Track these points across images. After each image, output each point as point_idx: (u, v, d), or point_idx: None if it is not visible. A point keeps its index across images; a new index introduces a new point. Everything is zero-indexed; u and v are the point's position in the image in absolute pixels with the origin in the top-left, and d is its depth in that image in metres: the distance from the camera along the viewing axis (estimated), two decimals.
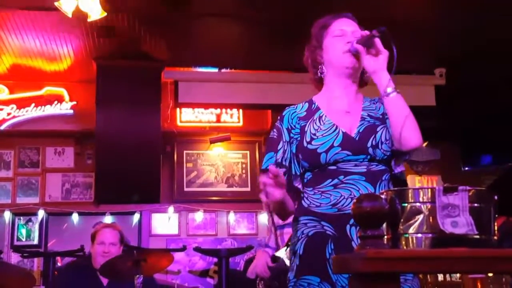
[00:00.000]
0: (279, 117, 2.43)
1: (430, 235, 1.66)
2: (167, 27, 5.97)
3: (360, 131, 2.27)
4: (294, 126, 2.36)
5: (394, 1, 5.40)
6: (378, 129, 2.28)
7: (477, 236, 1.65)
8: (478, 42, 6.11)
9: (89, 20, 5.19)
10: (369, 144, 2.24)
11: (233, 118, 7.39)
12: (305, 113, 2.38)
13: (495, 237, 1.71)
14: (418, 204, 1.69)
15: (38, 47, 6.18)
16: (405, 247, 1.68)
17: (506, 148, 7.43)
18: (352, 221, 2.15)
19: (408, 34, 5.81)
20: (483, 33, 5.97)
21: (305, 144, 2.29)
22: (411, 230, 1.68)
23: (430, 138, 7.51)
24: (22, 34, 5.90)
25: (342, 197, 2.21)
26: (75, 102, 7.05)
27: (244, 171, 7.52)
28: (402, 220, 1.69)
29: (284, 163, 2.34)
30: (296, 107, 2.43)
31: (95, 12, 5.11)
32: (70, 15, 5.09)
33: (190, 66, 7.05)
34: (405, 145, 2.20)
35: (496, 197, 1.75)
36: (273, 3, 5.47)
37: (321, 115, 2.35)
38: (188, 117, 7.32)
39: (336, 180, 2.23)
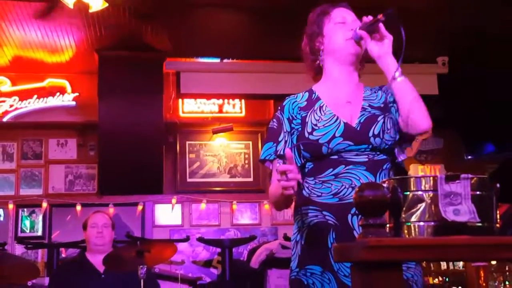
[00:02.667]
0: (279, 107, 2.43)
1: (432, 223, 1.66)
2: (168, 17, 5.96)
3: (361, 121, 2.27)
4: (295, 116, 2.35)
5: None
6: (378, 118, 2.28)
7: (479, 224, 1.65)
8: (481, 30, 6.09)
9: (90, 11, 5.18)
10: (370, 134, 2.24)
11: (236, 108, 7.39)
12: (305, 103, 2.38)
13: (498, 225, 1.72)
14: (420, 192, 1.69)
15: (40, 38, 6.18)
16: (407, 236, 1.68)
17: (509, 136, 7.41)
18: (353, 210, 2.16)
19: (410, 22, 5.78)
20: (486, 21, 5.94)
21: (306, 135, 2.28)
22: (413, 219, 1.68)
23: (433, 127, 7.49)
24: (24, 26, 5.89)
25: (343, 186, 2.21)
26: (77, 94, 7.05)
27: (246, 161, 7.52)
28: (404, 208, 1.69)
29: (279, 153, 2.33)
30: (296, 96, 2.42)
31: (97, 3, 5.10)
32: (71, 7, 5.08)
33: (192, 57, 7.03)
34: (414, 128, 2.19)
35: (498, 185, 1.75)
36: None
37: (321, 105, 2.34)
38: (190, 107, 7.31)
39: (337, 170, 2.23)
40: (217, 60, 7.06)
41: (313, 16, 2.45)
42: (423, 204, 1.68)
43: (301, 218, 2.29)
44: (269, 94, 7.12)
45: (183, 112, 7.29)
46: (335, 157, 2.24)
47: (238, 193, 7.31)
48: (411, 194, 1.70)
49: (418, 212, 1.68)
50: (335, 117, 2.28)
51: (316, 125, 2.28)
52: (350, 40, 2.30)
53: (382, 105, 2.33)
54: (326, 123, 2.27)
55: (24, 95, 6.96)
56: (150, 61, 6.70)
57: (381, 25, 2.23)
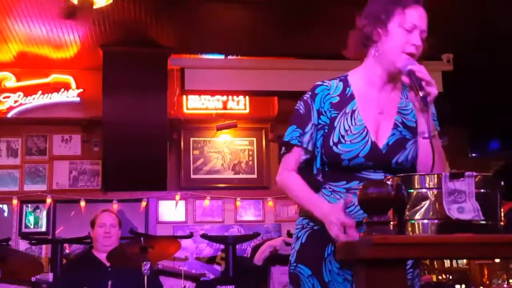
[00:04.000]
0: (309, 92, 2.26)
1: (436, 221, 1.66)
2: (173, 13, 5.95)
3: (390, 143, 2.18)
4: (325, 112, 2.22)
5: None
6: (407, 145, 2.20)
7: (483, 222, 1.65)
8: (485, 27, 6.07)
9: (95, 7, 5.18)
10: (394, 161, 2.18)
11: (240, 105, 7.38)
12: (338, 98, 2.23)
13: (502, 223, 1.71)
14: (424, 190, 1.68)
15: (45, 34, 6.18)
16: (411, 233, 1.68)
17: None
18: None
19: None
20: (491, 18, 5.92)
21: (331, 144, 2.19)
22: (417, 216, 1.68)
23: (438, 124, 7.48)
24: (29, 22, 5.89)
25: (352, 203, 2.12)
26: (81, 90, 7.05)
27: (251, 158, 7.51)
28: (408, 206, 1.69)
29: (309, 148, 2.23)
30: (330, 86, 2.25)
31: None
32: (76, 2, 5.08)
33: (197, 53, 7.03)
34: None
35: (502, 183, 1.74)
36: None
37: (354, 109, 2.20)
38: (194, 104, 7.31)
39: (350, 184, 2.18)
40: (222, 57, 7.06)
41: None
42: (427, 202, 1.67)
43: (307, 217, 2.27)
44: (273, 90, 7.11)
45: (187, 109, 7.29)
46: (352, 171, 2.18)
47: (242, 189, 7.31)
48: (415, 192, 1.70)
49: (422, 209, 1.68)
50: (365, 131, 2.18)
51: (343, 137, 2.17)
52: (404, 56, 2.13)
53: (414, 125, 2.21)
54: (354, 139, 2.17)
55: (28, 91, 6.96)
56: (154, 57, 6.69)
57: (424, 84, 2.03)
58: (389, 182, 1.72)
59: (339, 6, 5.47)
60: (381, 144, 2.18)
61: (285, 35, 6.33)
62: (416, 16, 2.19)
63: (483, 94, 7.15)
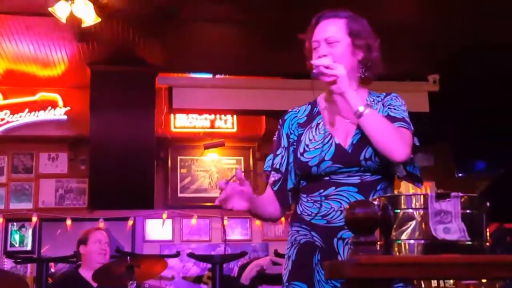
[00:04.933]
0: (280, 120, 2.40)
1: (422, 241, 1.66)
2: (161, 32, 5.98)
3: (354, 142, 2.21)
4: (293, 131, 2.34)
5: (388, 6, 5.42)
6: None
7: (469, 242, 1.65)
8: (471, 48, 6.13)
9: (83, 25, 5.19)
10: (361, 157, 2.19)
11: (227, 124, 7.40)
12: (305, 118, 2.35)
13: (487, 243, 1.72)
14: (410, 210, 1.69)
15: (32, 52, 6.18)
16: (397, 253, 1.68)
17: (499, 154, 7.45)
18: (339, 234, 2.17)
19: (401, 40, 5.83)
20: (477, 39, 5.99)
21: (298, 155, 2.27)
22: (403, 236, 1.68)
23: (424, 144, 7.52)
24: (16, 40, 5.89)
25: (332, 209, 2.19)
26: (69, 108, 7.04)
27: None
28: (394, 226, 1.70)
29: (280, 168, 2.33)
30: (298, 110, 2.39)
31: (89, 18, 5.11)
32: (64, 21, 5.09)
33: (184, 72, 7.05)
34: (392, 159, 2.13)
35: (488, 204, 1.75)
36: (267, 9, 5.48)
37: (319, 122, 2.30)
38: (182, 122, 7.31)
39: (327, 191, 2.21)
40: (209, 76, 7.08)
41: (308, 29, 2.37)
42: (414, 222, 1.68)
43: (293, 234, 2.31)
44: (261, 110, 7.13)
45: (174, 127, 7.29)
46: (327, 178, 2.21)
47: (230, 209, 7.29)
48: (401, 212, 1.70)
49: (409, 230, 1.68)
50: (329, 137, 2.24)
51: (308, 146, 2.26)
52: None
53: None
54: (317, 145, 2.24)
55: (15, 109, 6.95)
56: (142, 75, 6.70)
57: (328, 66, 2.15)
58: (375, 202, 1.73)
59: None
60: (346, 145, 2.22)
61: (273, 54, 6.37)
62: (317, 32, 2.30)
63: (469, 114, 7.20)
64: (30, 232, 6.90)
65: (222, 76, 7.10)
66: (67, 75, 6.77)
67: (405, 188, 7.58)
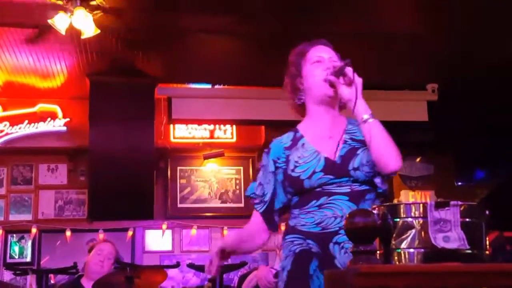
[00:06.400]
0: (265, 150, 2.51)
1: (422, 250, 1.67)
2: (160, 43, 5.99)
3: (341, 154, 2.33)
4: (280, 156, 2.43)
5: (386, 16, 5.43)
6: (358, 151, 2.33)
7: (469, 251, 1.65)
8: (469, 57, 6.14)
9: (82, 37, 5.21)
10: (350, 167, 2.30)
11: (227, 134, 7.40)
12: (290, 142, 2.45)
13: (487, 252, 1.72)
14: (410, 219, 1.70)
15: (32, 64, 6.19)
16: (397, 262, 1.69)
17: (499, 162, 7.45)
18: (335, 239, 2.24)
19: (399, 49, 5.85)
20: (475, 48, 6.00)
21: (289, 172, 2.36)
22: (403, 245, 1.69)
23: (423, 153, 7.53)
24: (16, 51, 5.90)
25: (326, 216, 2.28)
26: (68, 119, 7.04)
27: (237, 187, 7.51)
28: (394, 235, 1.70)
29: (258, 193, 2.47)
30: (282, 138, 2.50)
31: (89, 29, 5.13)
32: (63, 33, 5.10)
33: (184, 83, 7.06)
34: (384, 170, 2.25)
35: (487, 212, 1.76)
36: (265, 20, 5.49)
37: (303, 142, 2.41)
38: (181, 133, 7.32)
39: (320, 201, 2.30)
40: (209, 86, 7.09)
41: (292, 57, 2.54)
42: (413, 231, 1.68)
43: (287, 246, 2.37)
44: (260, 120, 7.14)
45: (174, 138, 7.29)
46: (319, 189, 2.31)
47: (229, 218, 7.28)
48: (401, 221, 1.71)
49: (408, 238, 1.69)
50: (316, 152, 2.35)
51: (297, 162, 2.36)
52: (324, 82, 2.35)
53: (362, 137, 2.35)
54: (307, 159, 2.34)
55: (15, 121, 6.95)
56: (141, 86, 6.71)
57: (349, 69, 2.28)
58: (375, 212, 1.73)
59: (323, 36, 5.53)
60: (335, 157, 2.33)
61: (271, 64, 6.33)
62: (318, 50, 2.47)
63: (468, 123, 7.21)
64: (29, 243, 6.89)
65: (221, 86, 7.10)
66: (66, 86, 6.77)
67: (405, 196, 7.58)
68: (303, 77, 2.46)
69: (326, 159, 2.32)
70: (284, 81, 2.59)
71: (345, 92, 2.29)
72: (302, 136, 2.44)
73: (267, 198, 2.45)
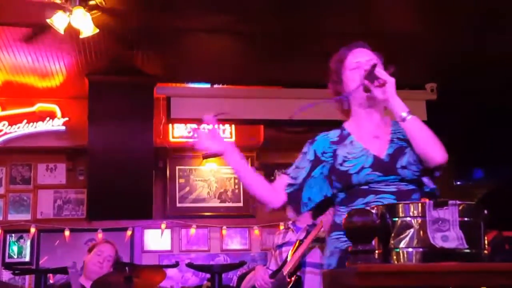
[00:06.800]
0: (309, 140, 2.57)
1: (420, 249, 1.67)
2: (159, 43, 5.98)
3: (390, 153, 2.38)
4: (327, 150, 2.49)
5: (385, 15, 5.43)
6: (406, 150, 2.38)
7: (467, 250, 1.65)
8: (468, 57, 6.14)
9: (81, 36, 5.20)
10: (398, 165, 2.34)
11: (226, 133, 7.39)
12: (337, 138, 2.51)
13: (486, 251, 1.72)
14: (408, 218, 1.70)
15: (30, 63, 6.18)
16: (396, 262, 1.69)
17: (497, 162, 7.45)
18: None
19: (398, 48, 5.84)
20: (474, 48, 6.00)
21: (337, 166, 2.41)
22: (401, 245, 1.69)
23: None
24: (14, 51, 5.90)
25: None
26: (67, 119, 7.04)
27: (236, 186, 7.51)
28: (393, 234, 1.70)
29: (293, 175, 2.51)
30: (329, 133, 2.55)
31: (87, 28, 5.12)
32: (62, 32, 5.09)
33: (183, 82, 7.05)
34: (429, 163, 2.30)
35: (486, 211, 1.76)
36: (264, 19, 5.49)
37: (351, 140, 2.46)
38: (180, 132, 7.31)
39: (367, 199, 2.33)
40: (208, 85, 7.09)
41: (332, 64, 2.58)
42: (412, 230, 1.68)
43: (333, 242, 2.40)
44: (259, 119, 7.14)
45: (173, 137, 7.29)
46: (365, 187, 2.35)
47: (228, 218, 7.29)
48: (399, 220, 1.71)
49: (407, 238, 1.69)
50: (365, 150, 2.40)
51: (346, 157, 2.41)
52: (360, 87, 2.40)
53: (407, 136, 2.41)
54: (356, 155, 2.39)
55: (13, 120, 6.94)
56: (140, 86, 6.70)
57: (379, 71, 2.36)
58: (373, 211, 1.73)
59: (323, 36, 5.53)
60: (383, 155, 2.38)
61: (270, 64, 6.38)
62: (356, 55, 2.51)
63: (467, 123, 7.21)
64: (28, 243, 6.89)
65: (220, 86, 7.10)
66: (65, 86, 6.77)
67: None
68: (343, 84, 2.51)
69: (375, 156, 2.37)
70: (328, 87, 2.64)
71: (379, 93, 2.35)
72: (349, 134, 2.49)
73: (298, 181, 2.49)
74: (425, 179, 2.37)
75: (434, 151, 2.29)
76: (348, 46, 2.56)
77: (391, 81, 2.35)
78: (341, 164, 2.40)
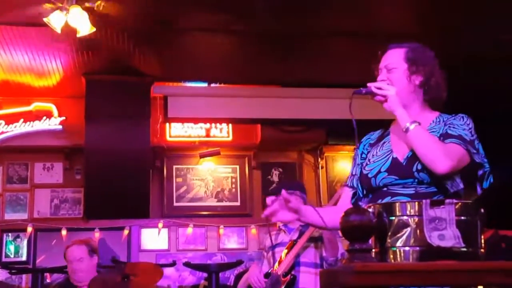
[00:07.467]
0: (358, 144, 2.62)
1: (417, 248, 1.67)
2: (156, 42, 5.98)
3: (409, 155, 2.36)
4: (364, 151, 2.58)
5: (386, 16, 5.43)
6: None
7: (464, 249, 1.66)
8: (469, 56, 6.14)
9: (78, 35, 5.19)
10: (414, 169, 2.32)
11: (223, 132, 7.39)
12: (376, 139, 2.59)
13: (482, 250, 1.72)
14: (405, 217, 1.70)
15: (27, 62, 6.17)
16: (392, 261, 1.69)
17: (495, 163, 7.45)
18: None
19: None
20: (474, 48, 6.00)
21: (363, 169, 2.49)
22: (398, 244, 1.69)
23: None
24: (11, 50, 5.88)
25: None
26: (64, 118, 7.02)
27: (234, 185, 7.50)
28: (389, 233, 1.70)
29: (351, 184, 2.57)
30: (373, 134, 2.64)
31: (84, 27, 5.12)
32: (59, 31, 5.09)
33: (180, 81, 7.05)
34: (434, 170, 2.26)
35: (483, 210, 1.76)
36: (262, 18, 5.49)
37: (386, 141, 2.51)
38: (177, 132, 7.31)
39: (384, 200, 2.33)
40: (205, 85, 7.08)
41: (372, 66, 2.63)
42: (408, 229, 1.68)
43: None
44: (256, 118, 7.13)
45: (170, 136, 7.28)
46: (384, 189, 2.38)
47: (225, 217, 7.28)
48: (396, 219, 1.71)
49: (404, 237, 1.69)
50: (389, 152, 2.44)
51: (370, 160, 2.48)
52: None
53: (438, 137, 2.39)
54: (378, 158, 2.44)
55: (10, 119, 6.93)
56: (137, 85, 6.70)
57: (379, 87, 2.42)
58: (370, 210, 1.73)
59: (321, 36, 5.53)
60: (402, 158, 2.38)
61: (267, 63, 6.37)
62: (382, 61, 2.57)
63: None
64: (25, 242, 6.88)
65: (217, 85, 7.10)
66: (62, 85, 6.76)
67: None
68: None
69: (394, 159, 2.39)
70: None
71: (384, 106, 2.41)
72: (388, 134, 2.54)
73: (354, 187, 2.55)
74: (457, 179, 2.32)
75: (434, 161, 2.24)
76: (382, 50, 2.60)
77: (391, 96, 2.39)
78: (364, 168, 2.47)
